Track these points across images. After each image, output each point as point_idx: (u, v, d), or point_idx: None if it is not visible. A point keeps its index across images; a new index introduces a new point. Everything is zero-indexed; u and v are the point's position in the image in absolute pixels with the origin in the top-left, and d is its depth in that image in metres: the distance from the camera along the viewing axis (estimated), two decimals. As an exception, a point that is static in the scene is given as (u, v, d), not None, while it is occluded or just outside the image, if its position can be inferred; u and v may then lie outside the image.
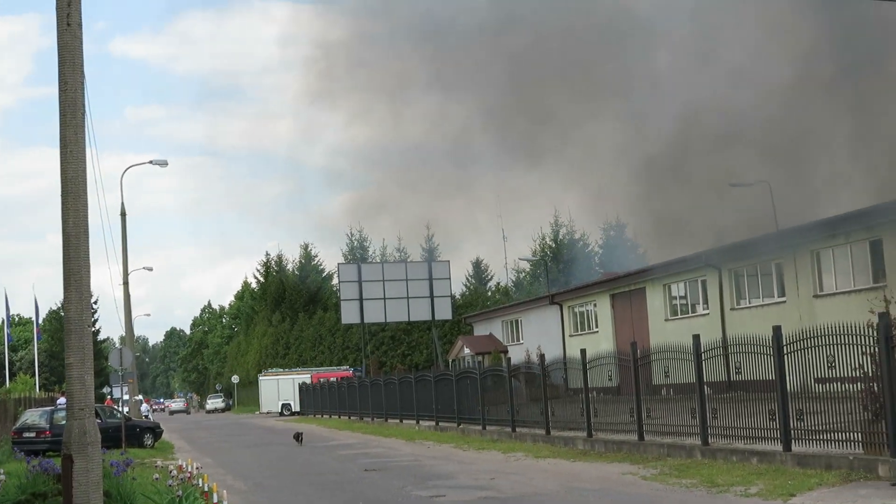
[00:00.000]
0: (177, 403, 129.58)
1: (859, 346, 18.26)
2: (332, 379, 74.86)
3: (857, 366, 18.27)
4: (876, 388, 17.76)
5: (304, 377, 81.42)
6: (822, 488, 16.83)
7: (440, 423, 42.60)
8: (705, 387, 23.43)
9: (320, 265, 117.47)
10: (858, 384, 18.38)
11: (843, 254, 36.95)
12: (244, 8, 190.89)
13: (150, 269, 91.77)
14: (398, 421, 49.76)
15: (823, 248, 37.76)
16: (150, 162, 57.73)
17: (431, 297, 73.91)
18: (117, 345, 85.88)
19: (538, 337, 61.75)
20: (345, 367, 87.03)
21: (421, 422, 45.79)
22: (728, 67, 33.08)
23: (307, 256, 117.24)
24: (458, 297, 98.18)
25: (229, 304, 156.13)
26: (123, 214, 56.92)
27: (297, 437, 37.21)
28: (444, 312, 75.91)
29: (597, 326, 56.53)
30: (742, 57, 32.90)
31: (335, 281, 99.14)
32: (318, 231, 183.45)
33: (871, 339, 17.91)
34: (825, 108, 31.95)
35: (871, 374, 17.89)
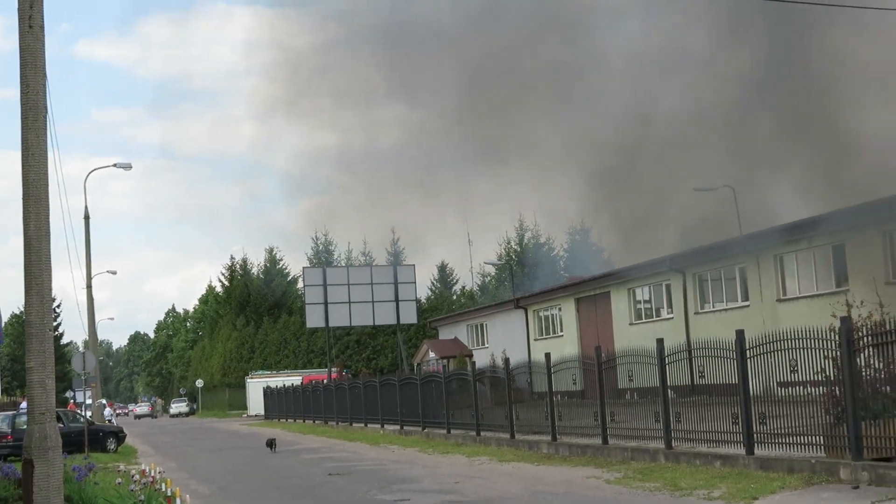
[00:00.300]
0: (142, 407, 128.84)
1: (821, 351, 18.37)
2: (322, 381, 74.45)
3: (819, 370, 18.38)
4: (838, 392, 17.88)
5: (295, 379, 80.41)
6: (784, 491, 16.92)
7: (405, 427, 42.57)
8: (669, 390, 23.52)
9: (285, 269, 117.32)
10: (821, 388, 18.49)
11: (807, 258, 37.17)
12: (208, 11, 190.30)
13: (114, 273, 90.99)
14: (363, 425, 49.68)
15: (787, 252, 37.97)
16: (115, 165, 57.48)
17: (397, 300, 73.78)
18: (81, 349, 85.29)
19: (503, 341, 61.78)
20: (335, 369, 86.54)
21: (386, 426, 45.75)
22: (688, 69, 33.24)
23: (272, 260, 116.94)
24: (423, 301, 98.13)
25: (194, 308, 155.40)
26: (87, 218, 56.60)
27: (270, 443, 36.69)
28: (410, 316, 75.80)
29: (562, 330, 56.63)
30: (704, 56, 33.05)
31: (300, 285, 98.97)
32: (283, 235, 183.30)
33: (833, 343, 18.02)
34: (786, 111, 32.14)
35: (832, 378, 18.01)
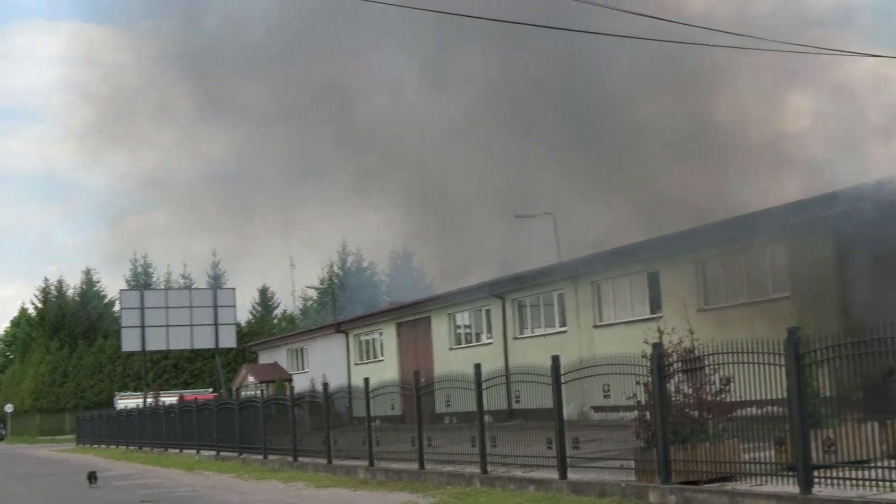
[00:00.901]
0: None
1: (634, 376, 18.66)
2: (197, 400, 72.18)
3: (631, 395, 18.66)
4: (648, 417, 18.17)
5: (170, 399, 77.46)
6: (596, 515, 17.08)
7: (221, 453, 41.82)
8: (487, 415, 23.59)
9: (102, 291, 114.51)
10: (633, 412, 18.78)
11: (623, 285, 37.92)
12: (29, 26, 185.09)
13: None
14: (178, 451, 48.65)
15: (604, 279, 38.68)
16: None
17: (216, 324, 72.76)
18: None
19: (324, 365, 61.41)
20: (209, 390, 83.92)
21: (202, 451, 44.88)
22: (509, 93, 33.51)
23: (89, 282, 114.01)
24: (243, 324, 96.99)
25: (5, 331, 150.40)
26: None
27: (91, 477, 32.74)
28: (229, 340, 74.84)
29: (382, 355, 56.58)
30: (525, 84, 33.38)
31: (118, 307, 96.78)
32: (101, 257, 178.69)
33: (645, 369, 18.33)
34: (602, 141, 32.72)
35: (644, 403, 18.30)
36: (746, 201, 29.10)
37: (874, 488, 14.49)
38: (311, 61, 37.31)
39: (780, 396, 15.99)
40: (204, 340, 73.44)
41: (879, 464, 15.00)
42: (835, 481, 15.12)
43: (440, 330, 50.21)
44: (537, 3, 24.14)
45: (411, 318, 53.31)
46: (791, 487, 15.47)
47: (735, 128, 31.09)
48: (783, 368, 15.67)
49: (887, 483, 14.44)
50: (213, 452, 42.77)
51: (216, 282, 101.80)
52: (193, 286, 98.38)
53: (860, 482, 14.79)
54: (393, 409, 29.53)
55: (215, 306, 73.21)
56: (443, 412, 26.67)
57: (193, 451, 45.88)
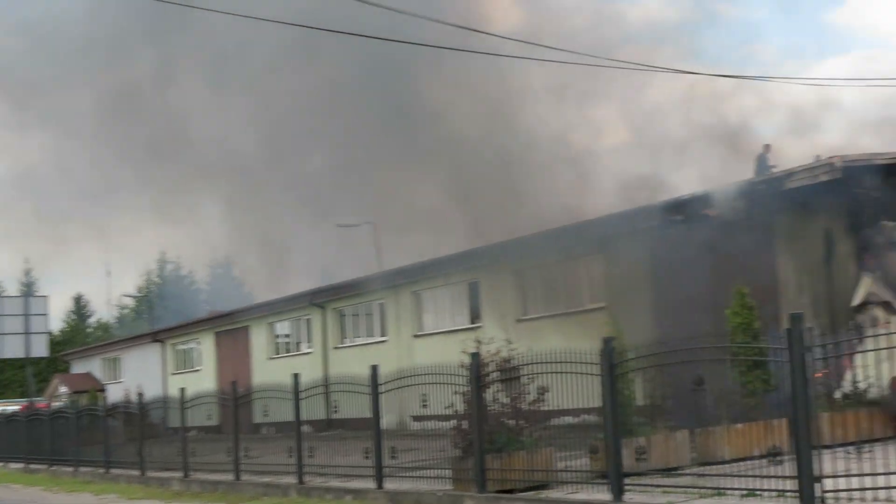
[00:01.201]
0: None
1: (452, 386, 18.72)
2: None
3: (450, 404, 18.72)
4: (466, 426, 18.26)
5: (13, 407, 73.78)
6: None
7: (31, 465, 40.51)
8: (305, 425, 23.40)
9: None
10: (451, 422, 18.85)
11: (443, 295, 38.09)
12: None
13: None
14: (-15, 464, 46.99)
15: (424, 289, 38.80)
16: None
17: (27, 333, 70.48)
18: None
19: (139, 375, 60.11)
20: (22, 401, 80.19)
21: (10, 464, 43.41)
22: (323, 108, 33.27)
23: None
24: (56, 333, 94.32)
25: None
26: None
27: None
28: (41, 349, 72.51)
29: (200, 364, 55.70)
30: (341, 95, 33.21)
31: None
32: None
33: (463, 378, 18.41)
34: (418, 148, 32.79)
35: (462, 413, 18.38)
36: (564, 213, 29.55)
37: (683, 495, 14.84)
38: (128, 66, 36.52)
39: (595, 405, 16.25)
40: (14, 349, 70.95)
41: (688, 471, 15.38)
42: (645, 488, 15.43)
43: (259, 339, 49.70)
44: (350, 10, 23.90)
45: (230, 327, 52.61)
46: (604, 495, 15.72)
47: (552, 141, 31.55)
48: (598, 378, 15.92)
49: (695, 490, 14.80)
50: (22, 465, 41.44)
51: (28, 289, 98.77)
52: (4, 294, 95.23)
53: (669, 489, 15.13)
54: (210, 419, 29.09)
55: (27, 314, 70.86)
56: (261, 422, 26.39)
57: (1, 464, 44.37)
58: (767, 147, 31.14)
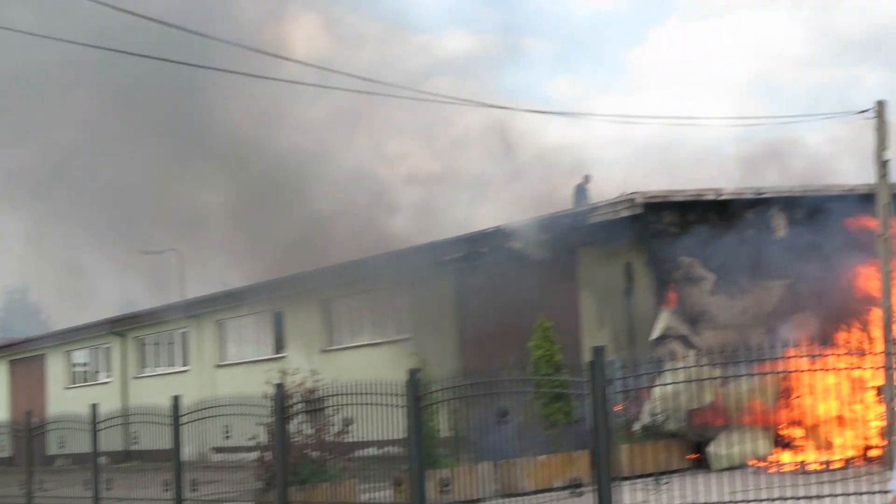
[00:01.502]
0: None
1: (256, 417, 18.48)
2: None
3: (253, 436, 18.49)
4: (269, 458, 18.05)
5: None
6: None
7: None
8: (103, 457, 22.79)
9: None
10: (254, 453, 18.62)
11: (248, 324, 37.66)
12: None
13: None
14: None
15: (228, 318, 38.29)
16: None
17: None
18: None
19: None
20: None
21: None
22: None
23: None
24: None
25: None
26: None
27: None
28: None
29: (-8, 394, 53.79)
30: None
31: None
32: None
33: (267, 409, 18.19)
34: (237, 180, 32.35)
35: (265, 444, 18.17)
36: (368, 244, 29.51)
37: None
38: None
39: (400, 437, 16.24)
40: None
41: (491, 503, 15.52)
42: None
43: (56, 368, 48.26)
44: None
45: (25, 355, 50.95)
46: (406, 527, 15.72)
47: (354, 172, 31.45)
48: (403, 409, 15.91)
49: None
50: None
51: None
52: None
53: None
54: (2, 450, 28.06)
55: None
56: (56, 454, 25.58)
57: None
58: (587, 178, 31.12)
